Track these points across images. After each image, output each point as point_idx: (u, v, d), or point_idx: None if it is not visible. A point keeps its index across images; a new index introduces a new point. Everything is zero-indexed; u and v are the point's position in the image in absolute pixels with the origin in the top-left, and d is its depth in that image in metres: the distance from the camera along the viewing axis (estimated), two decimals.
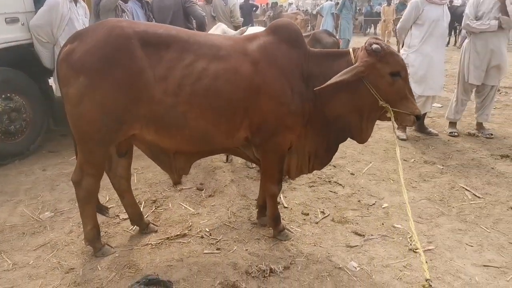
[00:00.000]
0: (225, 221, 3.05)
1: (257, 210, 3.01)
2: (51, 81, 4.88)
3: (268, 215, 2.79)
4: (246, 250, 2.68)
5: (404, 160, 4.24)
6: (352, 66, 2.24)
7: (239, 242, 2.77)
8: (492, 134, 4.86)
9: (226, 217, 3.10)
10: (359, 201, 3.36)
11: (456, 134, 4.96)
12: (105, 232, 2.86)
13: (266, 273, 2.39)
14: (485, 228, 2.91)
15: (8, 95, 4.06)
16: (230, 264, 2.52)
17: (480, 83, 4.73)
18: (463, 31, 4.85)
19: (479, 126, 4.98)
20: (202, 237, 2.84)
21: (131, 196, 2.80)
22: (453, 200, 3.35)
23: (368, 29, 22.65)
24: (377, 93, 2.27)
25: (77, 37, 2.18)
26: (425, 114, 5.10)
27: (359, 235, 2.84)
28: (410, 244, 2.70)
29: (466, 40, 4.81)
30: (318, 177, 3.76)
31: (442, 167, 4.03)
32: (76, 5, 4.32)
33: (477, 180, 3.72)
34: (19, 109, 4.18)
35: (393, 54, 2.27)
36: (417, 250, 2.63)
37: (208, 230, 2.91)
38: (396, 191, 3.53)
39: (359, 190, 3.55)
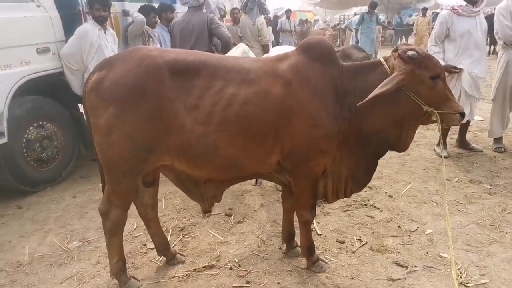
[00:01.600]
0: (255, 250, 2.88)
1: (284, 242, 2.84)
2: (81, 108, 4.95)
3: (302, 244, 2.61)
4: (278, 283, 2.50)
5: (447, 180, 3.93)
6: (392, 76, 2.12)
7: (270, 274, 2.60)
8: None
9: (256, 245, 2.94)
10: (399, 226, 3.10)
11: (502, 149, 4.59)
12: (132, 263, 2.77)
13: None
14: None
15: (40, 123, 4.12)
16: None
17: None
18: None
19: None
20: (231, 268, 2.68)
21: (158, 225, 2.70)
22: (506, 225, 3.03)
23: (400, 41, 22.15)
24: (418, 99, 2.17)
25: (105, 65, 2.12)
26: (467, 127, 4.78)
27: (402, 266, 2.59)
28: (460, 277, 2.43)
29: (503, 52, 4.48)
30: (354, 200, 3.53)
31: (490, 187, 3.70)
32: (105, 33, 4.38)
33: None
34: (51, 137, 4.23)
35: (430, 58, 2.21)
36: (468, 285, 2.36)
37: (237, 261, 2.76)
38: (439, 214, 3.25)
39: (398, 214, 3.29)
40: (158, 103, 2.04)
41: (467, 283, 2.37)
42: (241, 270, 2.66)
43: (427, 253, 2.72)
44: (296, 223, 2.73)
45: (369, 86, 2.19)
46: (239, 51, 4.07)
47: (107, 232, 2.36)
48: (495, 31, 4.40)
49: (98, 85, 2.06)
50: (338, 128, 2.22)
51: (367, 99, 2.09)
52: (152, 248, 2.94)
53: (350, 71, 2.29)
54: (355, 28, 11.18)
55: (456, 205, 3.40)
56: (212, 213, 3.46)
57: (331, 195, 2.50)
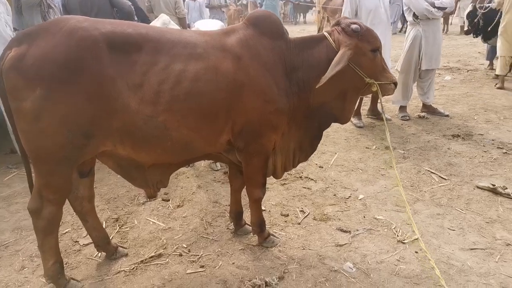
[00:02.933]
0: (202, 233, 2.80)
1: (232, 222, 2.80)
2: None
3: (252, 222, 2.60)
4: (233, 263, 2.47)
5: (366, 147, 4.26)
6: (341, 53, 2.15)
7: (223, 255, 2.55)
8: (448, 114, 5.10)
9: (202, 228, 2.85)
10: (334, 195, 3.28)
11: (407, 118, 5.12)
12: (66, 264, 2.46)
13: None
14: (460, 210, 2.97)
15: None
16: (219, 282, 2.30)
17: (431, 68, 4.91)
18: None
19: (429, 108, 5.19)
20: (180, 254, 2.57)
21: (96, 218, 2.44)
22: (423, 185, 3.41)
23: (299, 18, 23.01)
24: (360, 71, 2.24)
25: (24, 39, 1.79)
26: (377, 98, 5.20)
27: (345, 231, 2.75)
28: (397, 236, 2.67)
29: (411, 28, 4.93)
30: (289, 174, 3.62)
31: (403, 152, 4.11)
32: None
33: (438, 161, 3.83)
34: None
35: (371, 31, 2.28)
36: (405, 242, 2.61)
37: (185, 246, 2.65)
38: (367, 180, 3.52)
39: (331, 184, 3.48)
40: (96, 82, 1.81)
41: (403, 240, 2.62)
42: (191, 255, 2.56)
43: (364, 217, 2.93)
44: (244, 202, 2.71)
45: (315, 60, 2.25)
46: (159, 22, 3.79)
47: (40, 232, 2.06)
48: (405, 8, 4.79)
49: (18, 62, 1.75)
50: (289, 103, 2.22)
51: (324, 79, 2.09)
52: (86, 244, 2.69)
53: (296, 46, 2.27)
54: (259, 3, 11.24)
55: (379, 171, 3.71)
56: (147, 200, 3.26)
57: (280, 170, 2.51)
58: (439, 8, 4.59)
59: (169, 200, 3.27)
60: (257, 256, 2.53)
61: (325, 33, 2.32)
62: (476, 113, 5.24)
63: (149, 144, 2.01)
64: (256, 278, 2.27)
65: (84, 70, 1.79)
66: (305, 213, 3.01)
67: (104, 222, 2.94)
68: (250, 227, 2.77)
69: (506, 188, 3.17)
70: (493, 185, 3.21)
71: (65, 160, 1.92)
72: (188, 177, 3.68)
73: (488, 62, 7.77)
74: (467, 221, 2.84)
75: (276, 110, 2.18)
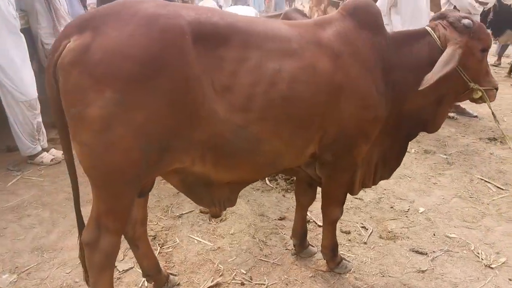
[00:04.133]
0: (258, 254, 2.44)
1: (295, 243, 2.43)
2: None
3: (325, 245, 2.27)
4: None
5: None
6: (450, 52, 1.82)
7: (292, 284, 2.20)
8: (477, 116, 4.89)
9: (257, 248, 2.49)
10: (391, 207, 2.98)
11: None
12: None
13: None
14: None
15: None
16: None
17: None
18: None
19: (457, 108, 4.95)
20: (242, 284, 2.20)
21: (148, 243, 2.04)
22: (482, 196, 3.15)
23: (285, 6, 22.52)
24: (466, 74, 1.93)
25: (87, 25, 1.39)
26: None
27: (421, 253, 2.46)
28: (482, 260, 2.39)
29: None
30: None
31: (446, 157, 3.85)
32: None
33: (487, 168, 3.59)
34: None
35: (483, 28, 1.97)
36: (492, 266, 2.34)
37: (245, 272, 2.28)
38: (420, 190, 3.23)
39: (383, 194, 3.17)
40: (181, 83, 1.43)
41: (491, 265, 2.34)
42: (256, 284, 2.20)
43: (434, 235, 2.65)
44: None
45: (414, 60, 1.93)
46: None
47: (95, 268, 1.64)
48: (443, 1, 4.50)
49: (83, 55, 1.34)
50: (386, 110, 1.89)
51: (430, 80, 1.75)
52: (127, 270, 2.28)
53: (394, 42, 1.93)
54: None
55: (429, 178, 3.44)
56: (182, 212, 2.86)
57: (358, 185, 2.16)
58: (480, 3, 4.32)
59: (207, 212, 2.87)
60: (331, 284, 2.20)
61: (428, 28, 1.97)
62: (504, 114, 5.06)
63: (236, 160, 1.66)
64: None
65: (168, 69, 1.40)
66: (367, 229, 2.69)
67: None
68: (314, 248, 2.45)
69: None
70: None
71: (135, 180, 1.52)
72: None
73: (496, 57, 7.69)
74: None
75: (374, 118, 1.86)
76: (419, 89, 1.77)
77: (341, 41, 1.77)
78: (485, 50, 1.96)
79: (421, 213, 2.91)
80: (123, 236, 1.77)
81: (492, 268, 2.33)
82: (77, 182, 1.68)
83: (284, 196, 3.10)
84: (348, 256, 2.42)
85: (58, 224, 2.70)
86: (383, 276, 2.27)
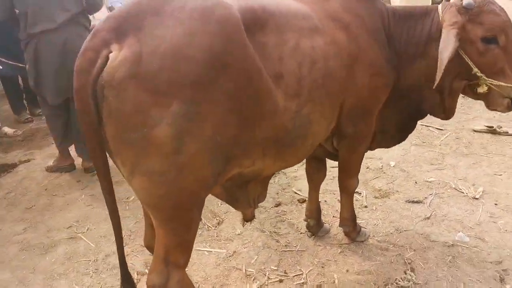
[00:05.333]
0: (278, 246, 2.33)
1: (312, 223, 2.37)
2: None
3: (346, 217, 2.28)
4: (348, 271, 2.11)
5: None
6: (445, 35, 1.68)
7: (328, 265, 2.16)
8: None
9: (273, 241, 2.37)
10: (367, 167, 3.12)
11: None
12: None
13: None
14: (486, 155, 3.15)
15: None
16: None
17: None
18: None
19: None
20: (280, 281, 2.08)
21: None
22: (431, 139, 3.51)
23: None
24: (454, 66, 1.75)
25: (126, 28, 1.13)
26: None
27: (417, 202, 2.64)
28: (467, 194, 2.68)
29: None
30: None
31: None
32: None
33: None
34: None
35: (492, 13, 1.71)
36: (477, 197, 2.63)
37: (276, 268, 2.16)
38: None
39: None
40: (246, 81, 1.27)
41: (475, 196, 2.63)
42: (294, 277, 2.10)
43: (416, 183, 2.87)
44: None
45: (416, 34, 1.87)
46: None
47: None
48: None
49: (138, 67, 1.10)
50: (393, 75, 1.89)
51: (439, 74, 1.63)
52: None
53: (396, 13, 1.92)
54: None
55: None
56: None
57: None
58: None
59: (201, 219, 2.63)
60: (362, 254, 2.23)
61: (439, 6, 1.85)
62: None
63: (293, 148, 1.57)
64: (391, 279, 1.99)
65: (229, 68, 1.22)
66: (360, 193, 2.78)
67: (136, 274, 2.19)
68: (327, 225, 2.45)
69: (501, 127, 3.48)
70: (490, 127, 3.49)
71: (203, 202, 1.36)
72: None
73: None
74: (501, 163, 3.02)
75: (384, 84, 1.85)
76: (434, 87, 1.69)
77: (346, 12, 1.74)
78: (491, 40, 1.71)
79: (393, 166, 3.12)
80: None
81: (477, 198, 2.62)
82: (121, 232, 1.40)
83: None
84: (360, 223, 2.47)
85: None
86: (400, 232, 2.38)
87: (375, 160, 3.22)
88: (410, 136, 3.15)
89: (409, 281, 1.97)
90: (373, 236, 2.35)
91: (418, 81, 1.93)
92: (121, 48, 1.11)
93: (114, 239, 1.43)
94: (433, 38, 1.81)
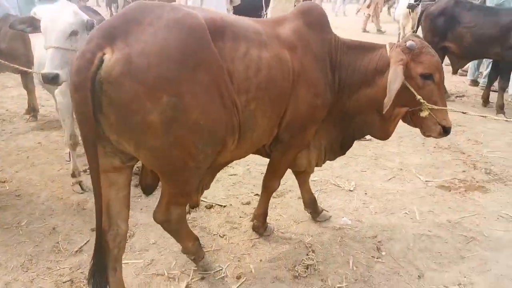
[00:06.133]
0: (288, 242, 2.47)
1: (309, 212, 2.78)
2: None
3: (260, 213, 2.57)
4: (270, 261, 2.37)
5: None
6: (393, 69, 1.98)
7: (255, 258, 2.39)
8: None
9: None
10: (262, 173, 3.47)
11: None
12: None
13: None
14: (353, 156, 3.82)
15: None
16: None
17: None
18: None
19: None
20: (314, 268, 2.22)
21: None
22: None
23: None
24: (399, 95, 1.98)
25: (116, 35, 1.45)
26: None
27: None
28: (343, 188, 3.23)
29: None
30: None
31: None
32: None
33: None
34: None
35: (429, 54, 2.05)
36: (352, 190, 3.20)
37: (206, 270, 2.29)
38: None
39: (248, 165, 3.63)
40: (216, 75, 1.64)
41: (350, 189, 3.20)
42: (216, 272, 2.26)
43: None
44: None
45: (363, 65, 2.17)
46: None
47: (176, 234, 2.09)
48: None
49: (130, 65, 1.41)
50: (331, 98, 2.18)
51: (388, 102, 1.93)
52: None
53: (346, 45, 2.21)
54: None
55: None
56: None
57: (314, 165, 2.51)
58: None
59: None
60: (271, 245, 2.52)
61: (387, 44, 2.18)
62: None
63: (245, 137, 1.89)
64: (298, 261, 2.33)
65: (203, 64, 1.58)
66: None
67: None
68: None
69: None
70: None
71: (196, 169, 1.75)
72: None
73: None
74: (365, 162, 3.71)
75: (322, 104, 2.14)
76: (384, 112, 1.97)
77: (295, 37, 2.05)
78: (427, 76, 2.02)
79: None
80: None
81: (352, 190, 3.19)
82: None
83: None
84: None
85: None
86: (298, 223, 2.75)
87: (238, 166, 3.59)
88: None
89: (312, 260, 2.33)
90: (277, 229, 2.67)
91: (363, 106, 2.22)
92: (113, 50, 1.40)
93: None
94: (379, 70, 2.11)
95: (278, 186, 2.48)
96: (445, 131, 2.12)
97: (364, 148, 4.01)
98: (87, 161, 1.56)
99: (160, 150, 1.58)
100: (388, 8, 16.95)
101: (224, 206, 2.94)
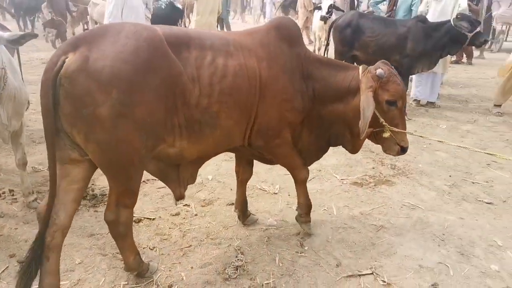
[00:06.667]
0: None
1: (238, 214, 2.91)
2: None
3: (303, 203, 2.71)
4: (201, 267, 2.44)
5: None
6: (365, 97, 2.20)
7: (185, 266, 2.44)
8: None
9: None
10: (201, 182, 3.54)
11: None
12: None
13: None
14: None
15: None
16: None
17: None
18: None
19: None
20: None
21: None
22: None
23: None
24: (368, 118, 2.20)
25: (79, 43, 1.73)
26: None
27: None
28: (269, 192, 3.41)
29: None
30: None
31: None
32: None
33: None
34: None
35: (395, 83, 2.28)
36: (276, 192, 3.40)
37: (137, 283, 2.30)
38: None
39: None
40: (168, 80, 1.85)
41: (275, 192, 3.40)
42: (147, 284, 2.29)
43: (231, 190, 3.45)
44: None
45: (336, 82, 2.39)
46: None
47: (119, 237, 2.12)
48: None
49: (86, 64, 1.66)
50: (303, 103, 2.37)
51: (364, 129, 2.15)
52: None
53: (318, 60, 2.44)
54: None
55: None
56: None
57: None
58: None
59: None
60: (202, 251, 2.60)
61: (360, 67, 2.38)
62: None
63: (203, 135, 2.07)
64: (228, 264, 2.44)
65: (155, 69, 1.80)
66: (189, 205, 3.17)
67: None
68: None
69: None
70: None
71: (139, 165, 1.93)
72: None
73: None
74: None
75: (293, 108, 2.33)
76: (361, 138, 2.23)
77: (264, 48, 2.25)
78: (392, 103, 2.26)
79: (211, 179, 3.65)
80: None
81: (276, 193, 3.40)
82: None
83: (96, 211, 3.04)
84: (194, 228, 2.84)
85: None
86: (227, 228, 2.87)
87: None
88: (222, 154, 3.81)
89: (241, 261, 2.45)
90: (207, 236, 2.76)
91: (336, 119, 2.45)
92: (74, 54, 1.66)
93: None
94: (351, 90, 2.34)
95: (306, 174, 2.62)
96: (403, 150, 2.39)
97: None
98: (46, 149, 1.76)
99: (107, 144, 1.74)
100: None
101: (153, 219, 2.96)
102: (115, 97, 1.66)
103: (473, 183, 3.68)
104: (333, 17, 8.28)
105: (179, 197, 2.31)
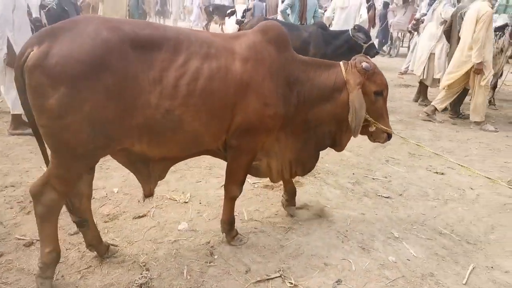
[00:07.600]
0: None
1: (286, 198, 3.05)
2: None
3: (224, 219, 2.68)
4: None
5: None
6: (355, 95, 2.35)
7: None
8: None
9: None
10: (93, 198, 3.29)
11: None
12: None
13: None
14: (199, 167, 3.93)
15: None
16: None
17: None
18: None
19: None
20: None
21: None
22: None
23: None
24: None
25: (46, 38, 1.82)
26: None
27: (143, 216, 3.05)
28: (180, 201, 3.31)
29: None
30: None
31: None
32: None
33: None
34: None
35: (380, 74, 2.47)
36: (186, 201, 3.31)
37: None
38: (101, 178, 3.69)
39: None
40: (122, 81, 1.87)
41: (185, 201, 3.30)
42: None
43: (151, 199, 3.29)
44: None
45: (321, 82, 2.46)
46: None
47: (38, 217, 2.06)
48: None
49: (42, 61, 1.77)
50: (285, 109, 2.36)
51: (357, 129, 2.36)
52: None
53: (304, 63, 2.46)
54: None
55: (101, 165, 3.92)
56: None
57: (275, 174, 2.66)
58: None
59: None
60: (103, 272, 2.41)
61: (341, 63, 2.48)
62: None
63: (164, 138, 2.07)
64: (131, 282, 2.30)
65: (109, 69, 1.83)
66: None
67: None
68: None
69: None
70: None
71: (83, 158, 1.96)
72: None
73: None
74: (199, 173, 3.87)
75: (274, 113, 2.31)
76: (354, 136, 2.42)
77: (249, 51, 2.24)
78: (379, 93, 2.45)
79: (117, 192, 3.43)
80: None
81: (187, 202, 3.30)
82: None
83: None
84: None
85: None
86: (132, 244, 2.71)
87: (99, 190, 3.42)
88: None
89: (146, 278, 2.31)
90: (111, 254, 2.57)
91: (323, 119, 2.50)
92: (38, 48, 1.77)
93: None
94: (337, 87, 2.42)
95: (239, 193, 2.59)
96: (389, 136, 2.61)
97: (198, 160, 4.18)
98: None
99: (52, 129, 1.85)
100: None
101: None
102: (62, 91, 1.75)
103: (373, 179, 3.95)
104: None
105: (148, 193, 2.35)
